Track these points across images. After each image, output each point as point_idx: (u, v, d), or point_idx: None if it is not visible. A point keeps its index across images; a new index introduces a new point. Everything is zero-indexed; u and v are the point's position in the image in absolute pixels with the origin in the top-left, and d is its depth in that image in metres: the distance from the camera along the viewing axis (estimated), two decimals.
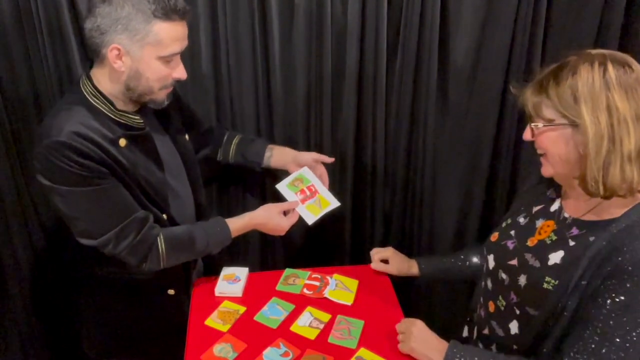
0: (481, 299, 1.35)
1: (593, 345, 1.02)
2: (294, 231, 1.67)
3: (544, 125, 1.07)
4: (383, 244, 2.07)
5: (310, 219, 1.55)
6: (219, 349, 1.32)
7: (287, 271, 1.60)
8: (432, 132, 1.89)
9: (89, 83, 1.32)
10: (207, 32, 1.73)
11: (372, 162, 1.95)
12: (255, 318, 1.42)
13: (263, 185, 1.95)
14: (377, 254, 1.59)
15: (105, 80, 1.32)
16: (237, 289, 1.50)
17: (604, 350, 1.01)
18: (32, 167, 1.30)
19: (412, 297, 2.14)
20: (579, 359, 1.03)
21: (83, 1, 1.61)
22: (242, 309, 1.45)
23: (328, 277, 1.56)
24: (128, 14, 1.22)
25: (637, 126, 0.99)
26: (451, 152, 1.94)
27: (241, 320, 1.41)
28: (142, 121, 1.36)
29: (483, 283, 1.34)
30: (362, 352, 1.30)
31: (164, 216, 1.43)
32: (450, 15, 1.75)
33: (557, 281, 1.10)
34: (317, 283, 1.54)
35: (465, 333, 1.45)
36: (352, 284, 1.54)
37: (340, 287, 1.53)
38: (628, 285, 0.99)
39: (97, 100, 1.31)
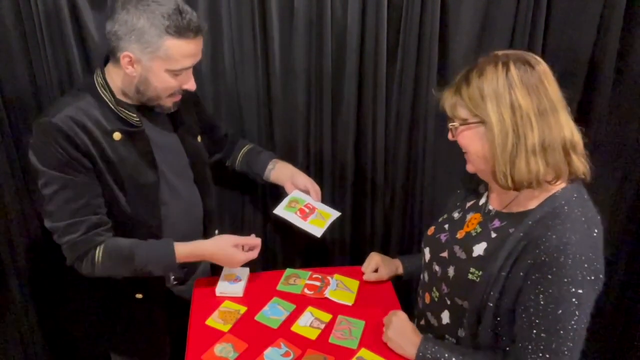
0: (420, 291, 1.41)
1: (544, 343, 1.08)
2: (295, 231, 1.67)
3: (460, 125, 1.15)
4: (383, 245, 2.08)
5: (318, 232, 1.56)
6: (219, 348, 1.32)
7: (288, 271, 1.60)
8: (432, 133, 1.89)
9: (101, 74, 1.37)
10: (208, 35, 1.73)
11: (372, 163, 1.95)
12: (256, 318, 1.42)
13: (264, 195, 1.96)
14: (367, 267, 1.57)
15: (118, 78, 1.37)
16: (238, 289, 1.50)
17: (554, 345, 1.07)
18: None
19: (412, 297, 2.14)
20: (537, 359, 1.09)
21: (83, 1, 1.61)
22: (242, 309, 1.45)
23: (329, 277, 1.56)
24: (142, 27, 1.26)
25: (540, 121, 1.07)
26: (451, 153, 1.92)
27: (242, 320, 1.41)
28: (138, 119, 1.38)
29: (422, 276, 1.40)
30: (363, 352, 1.30)
31: (131, 216, 1.42)
32: (450, 16, 1.75)
33: (481, 272, 1.17)
34: (317, 283, 1.54)
35: None
36: (353, 284, 1.54)
37: (341, 287, 1.53)
38: (550, 277, 1.06)
39: (104, 91, 1.36)
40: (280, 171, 1.70)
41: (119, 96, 1.37)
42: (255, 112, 1.85)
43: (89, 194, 1.35)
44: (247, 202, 1.99)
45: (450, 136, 1.19)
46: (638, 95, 1.81)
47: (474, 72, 1.12)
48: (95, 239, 1.36)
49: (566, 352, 1.07)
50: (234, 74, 1.78)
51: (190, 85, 1.38)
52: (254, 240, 1.51)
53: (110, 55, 1.36)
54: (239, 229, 2.04)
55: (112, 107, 1.36)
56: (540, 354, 1.08)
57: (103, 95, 1.36)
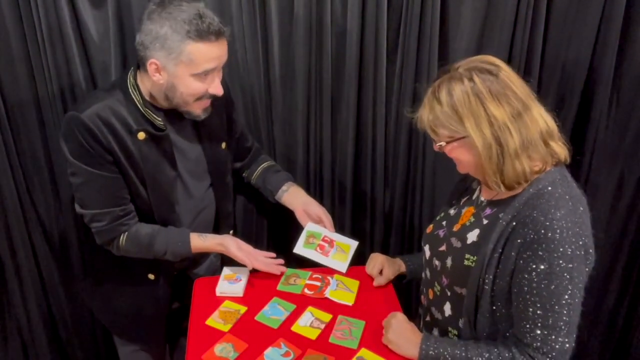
0: (423, 289, 1.44)
1: (540, 320, 1.12)
2: (295, 231, 1.67)
3: (446, 143, 1.20)
4: (383, 244, 2.09)
5: (343, 267, 1.57)
6: (220, 348, 1.32)
7: (288, 271, 1.60)
8: None
9: (133, 74, 1.43)
10: None
11: (372, 163, 1.95)
12: (256, 318, 1.42)
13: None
14: (373, 269, 1.56)
15: (148, 83, 1.41)
16: (238, 289, 1.50)
17: (550, 321, 1.11)
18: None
19: (412, 297, 2.15)
20: (535, 337, 1.12)
21: (84, 2, 1.61)
22: (243, 309, 1.45)
23: (329, 277, 1.56)
24: (165, 33, 1.30)
25: (517, 124, 1.12)
26: None
27: (242, 320, 1.42)
28: (162, 122, 1.43)
29: (423, 274, 1.43)
30: (363, 352, 1.31)
31: (155, 211, 1.50)
32: (450, 16, 1.75)
33: (475, 257, 1.21)
34: (318, 283, 1.54)
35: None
36: (353, 284, 1.54)
37: (341, 287, 1.53)
38: (540, 253, 1.10)
39: (133, 91, 1.42)
40: (293, 196, 1.71)
41: (148, 98, 1.42)
42: (255, 112, 1.84)
43: (113, 187, 1.42)
44: (251, 203, 1.99)
45: (436, 148, 1.24)
46: (638, 95, 1.81)
47: (443, 91, 1.15)
48: (119, 228, 1.46)
49: (562, 327, 1.11)
50: (233, 74, 1.78)
51: (216, 89, 1.40)
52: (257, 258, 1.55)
53: (140, 64, 1.40)
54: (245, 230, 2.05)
55: (140, 107, 1.40)
56: (538, 331, 1.12)
57: (132, 95, 1.41)
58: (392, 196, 2.03)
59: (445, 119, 1.15)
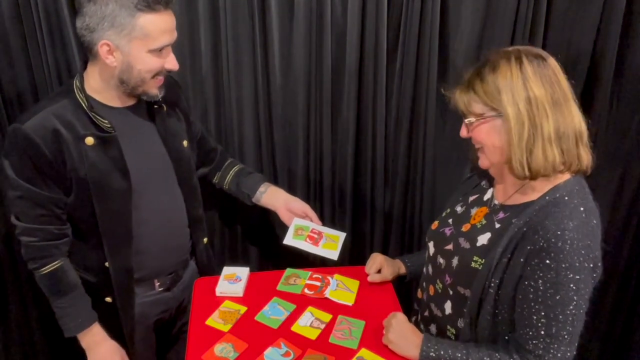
0: (423, 284, 1.43)
1: (544, 328, 1.11)
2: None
3: (476, 120, 1.17)
4: (383, 245, 2.08)
5: (334, 255, 1.57)
6: (220, 348, 1.32)
7: (288, 271, 1.60)
8: (432, 133, 1.89)
9: (80, 79, 1.37)
10: (208, 34, 1.73)
11: (372, 163, 1.95)
12: (256, 318, 1.42)
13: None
14: (371, 268, 1.56)
15: (96, 76, 1.36)
16: (238, 289, 1.50)
17: (553, 330, 1.11)
18: None
19: (412, 297, 2.14)
20: (538, 344, 1.12)
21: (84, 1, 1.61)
22: (243, 309, 1.45)
23: (329, 277, 1.56)
24: (112, 11, 1.24)
25: (554, 110, 1.10)
26: (451, 153, 1.94)
27: (242, 320, 1.41)
28: (110, 125, 1.37)
29: (425, 269, 1.43)
30: (363, 352, 1.30)
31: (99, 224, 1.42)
32: (450, 16, 1.75)
33: (483, 260, 1.20)
34: (318, 283, 1.54)
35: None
36: (353, 284, 1.54)
37: (341, 287, 1.52)
38: (548, 262, 1.09)
39: (80, 95, 1.35)
40: (272, 196, 1.68)
41: (100, 98, 1.37)
42: (255, 112, 1.84)
43: (51, 204, 1.37)
44: (241, 208, 1.98)
45: (464, 133, 1.22)
46: (638, 93, 1.81)
47: (486, 67, 1.14)
48: (50, 250, 1.41)
49: (565, 336, 1.11)
50: (234, 73, 1.78)
51: (173, 64, 1.36)
52: None
53: (87, 54, 1.35)
54: (234, 236, 2.05)
55: (87, 111, 1.34)
56: (541, 339, 1.12)
57: (79, 98, 1.35)
58: (392, 196, 2.03)
59: (483, 94, 1.13)
